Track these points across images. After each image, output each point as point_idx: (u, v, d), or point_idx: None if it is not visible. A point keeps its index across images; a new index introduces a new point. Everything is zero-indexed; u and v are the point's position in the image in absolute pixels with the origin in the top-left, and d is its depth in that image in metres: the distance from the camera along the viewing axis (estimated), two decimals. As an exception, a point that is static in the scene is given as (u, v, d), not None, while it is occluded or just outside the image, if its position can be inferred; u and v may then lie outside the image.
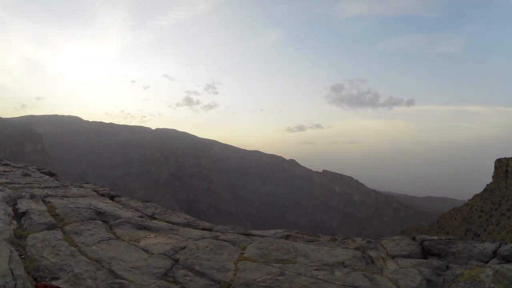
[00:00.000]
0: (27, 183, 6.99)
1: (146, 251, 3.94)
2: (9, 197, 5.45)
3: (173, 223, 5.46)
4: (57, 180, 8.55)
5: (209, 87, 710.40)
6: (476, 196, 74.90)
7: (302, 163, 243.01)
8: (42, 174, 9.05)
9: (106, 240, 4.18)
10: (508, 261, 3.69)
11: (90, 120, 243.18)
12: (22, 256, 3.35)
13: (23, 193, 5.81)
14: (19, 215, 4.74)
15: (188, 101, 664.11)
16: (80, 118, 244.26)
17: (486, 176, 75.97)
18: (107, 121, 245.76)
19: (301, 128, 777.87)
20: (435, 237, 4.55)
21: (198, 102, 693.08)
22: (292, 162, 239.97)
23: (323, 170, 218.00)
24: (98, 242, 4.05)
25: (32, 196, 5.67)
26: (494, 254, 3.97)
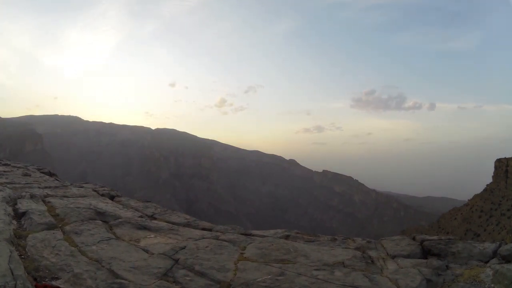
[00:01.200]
0: (27, 183, 6.99)
1: (146, 251, 3.94)
2: (9, 197, 5.45)
3: (173, 223, 5.46)
4: (57, 180, 8.55)
5: (250, 89, 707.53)
6: (476, 196, 74.91)
7: (302, 163, 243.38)
8: (42, 174, 9.05)
9: (106, 240, 4.18)
10: (508, 261, 3.69)
11: (91, 120, 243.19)
12: (22, 256, 3.35)
13: (23, 193, 5.81)
14: (19, 215, 4.74)
15: (221, 103, 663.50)
16: (80, 118, 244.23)
17: (486, 176, 76.09)
18: (107, 121, 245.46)
19: (320, 130, 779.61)
20: (435, 237, 4.55)
21: (231, 104, 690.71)
22: (292, 162, 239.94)
23: (323, 170, 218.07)
24: (98, 242, 4.05)
25: (32, 196, 5.67)
26: (494, 254, 3.97)
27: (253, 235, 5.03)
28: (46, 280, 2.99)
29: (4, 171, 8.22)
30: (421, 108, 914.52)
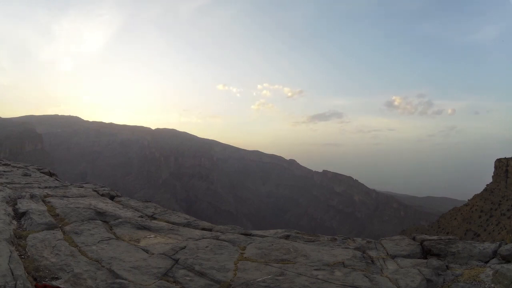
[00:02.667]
0: (27, 183, 6.99)
1: (146, 251, 3.94)
2: (9, 197, 5.45)
3: (173, 223, 5.46)
4: (57, 180, 8.55)
5: (298, 93, 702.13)
6: (476, 196, 74.88)
7: (302, 163, 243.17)
8: (42, 174, 9.05)
9: (106, 240, 4.18)
10: (508, 261, 3.69)
11: (90, 120, 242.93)
12: (22, 256, 3.35)
13: (23, 193, 5.81)
14: (19, 215, 4.74)
15: (260, 105, 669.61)
16: (80, 118, 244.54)
17: (486, 176, 76.05)
18: (107, 121, 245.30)
19: (342, 132, 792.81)
20: (435, 237, 4.55)
21: (270, 107, 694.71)
22: (292, 162, 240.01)
23: (323, 170, 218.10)
24: (98, 242, 4.05)
25: (32, 196, 5.67)
26: (494, 254, 3.97)
27: (253, 235, 5.03)
28: (46, 280, 2.99)
29: (4, 171, 8.21)
30: (441, 113, 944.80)
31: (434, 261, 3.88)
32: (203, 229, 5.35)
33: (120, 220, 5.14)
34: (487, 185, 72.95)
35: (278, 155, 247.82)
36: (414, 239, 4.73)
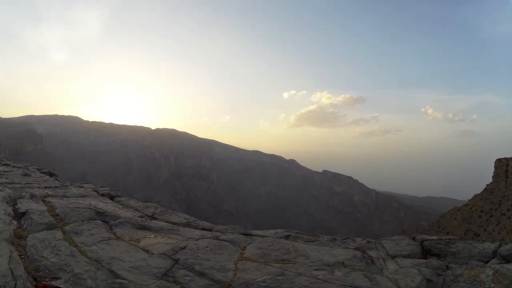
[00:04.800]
0: (27, 183, 6.99)
1: (146, 251, 3.95)
2: (9, 197, 5.45)
3: (173, 223, 5.47)
4: (57, 180, 8.55)
5: (357, 101, 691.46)
6: (476, 196, 74.88)
7: (302, 163, 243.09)
8: (42, 174, 9.05)
9: (106, 240, 4.19)
10: (508, 261, 3.69)
11: (91, 120, 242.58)
12: (22, 256, 3.36)
13: (23, 193, 5.81)
14: (19, 215, 4.75)
15: (309, 112, 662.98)
16: (80, 118, 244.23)
17: (486, 176, 76.05)
18: (107, 121, 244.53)
19: (366, 135, 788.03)
20: (435, 237, 4.55)
21: (321, 116, 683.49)
22: (292, 162, 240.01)
23: (323, 170, 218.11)
24: (98, 242, 4.05)
25: (32, 196, 5.67)
26: (494, 254, 3.97)
27: (253, 235, 5.03)
28: (46, 280, 2.99)
29: (4, 171, 8.21)
30: (464, 120, 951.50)
31: (434, 261, 3.88)
32: (203, 229, 5.36)
33: (120, 220, 5.15)
34: (487, 185, 72.95)
35: (278, 155, 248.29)
36: (414, 239, 4.73)
